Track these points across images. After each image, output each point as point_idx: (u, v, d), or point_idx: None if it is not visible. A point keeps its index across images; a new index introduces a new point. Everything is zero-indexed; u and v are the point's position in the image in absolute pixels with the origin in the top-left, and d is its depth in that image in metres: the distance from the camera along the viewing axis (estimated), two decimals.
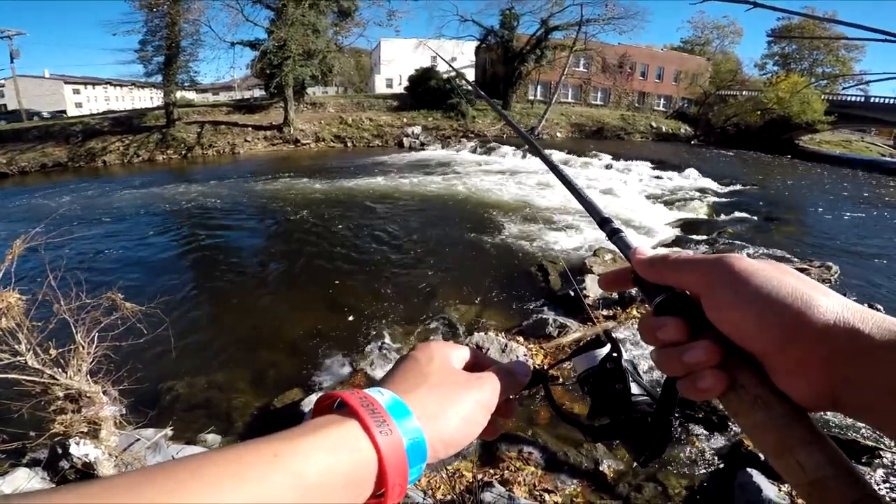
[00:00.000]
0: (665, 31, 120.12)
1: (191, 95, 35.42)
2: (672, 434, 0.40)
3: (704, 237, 9.41)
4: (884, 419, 0.28)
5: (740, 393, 0.32)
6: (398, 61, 41.26)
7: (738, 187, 15.18)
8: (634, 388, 0.43)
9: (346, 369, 5.00)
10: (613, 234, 0.46)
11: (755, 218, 11.36)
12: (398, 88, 36.71)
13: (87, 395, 1.67)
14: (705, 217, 11.58)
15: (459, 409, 0.37)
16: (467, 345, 0.47)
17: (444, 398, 0.37)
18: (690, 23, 47.61)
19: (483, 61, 34.04)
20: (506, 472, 3.38)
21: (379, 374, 4.88)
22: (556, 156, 19.29)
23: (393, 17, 27.65)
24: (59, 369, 1.65)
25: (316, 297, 6.85)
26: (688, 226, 10.42)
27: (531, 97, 33.35)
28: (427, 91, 28.45)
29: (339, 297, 6.76)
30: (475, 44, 32.66)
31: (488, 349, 4.78)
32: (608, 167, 17.89)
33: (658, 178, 16.17)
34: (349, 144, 25.34)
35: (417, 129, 26.19)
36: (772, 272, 0.33)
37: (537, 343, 5.15)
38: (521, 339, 5.22)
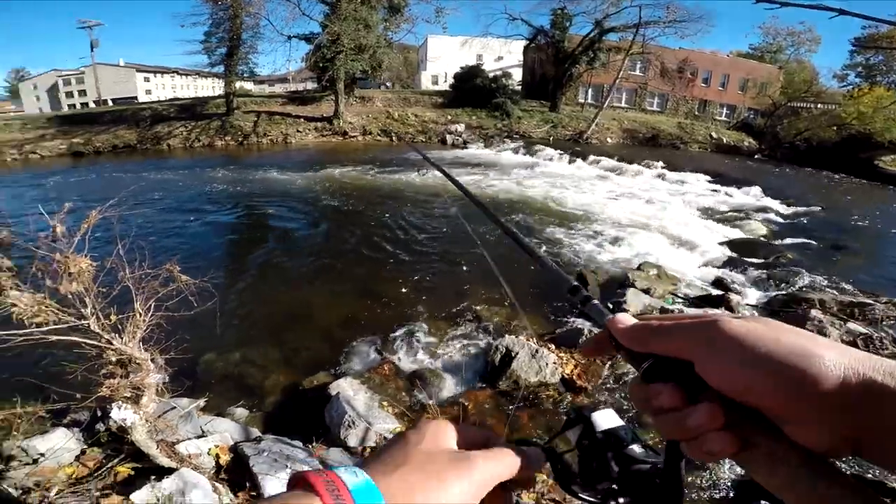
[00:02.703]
0: (732, 37, 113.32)
1: (249, 86, 37.17)
2: (684, 495, 0.38)
3: (760, 260, 8.79)
4: None
5: (753, 451, 0.32)
6: (444, 58, 41.51)
7: (804, 209, 14.09)
8: (636, 448, 0.43)
9: (375, 357, 5.08)
10: (586, 303, 0.46)
11: (819, 244, 10.49)
12: (443, 85, 36.87)
13: (137, 361, 1.77)
14: (763, 239, 10.82)
15: (436, 493, 0.35)
16: (478, 425, 0.46)
17: (421, 481, 0.35)
18: (761, 28, 44.84)
19: (531, 61, 33.38)
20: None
21: (406, 365, 4.93)
22: (605, 162, 18.71)
23: (441, 14, 27.81)
24: (116, 335, 1.75)
25: (352, 285, 7.00)
26: (742, 246, 9.78)
27: (581, 100, 32.48)
28: (473, 89, 28.36)
29: (374, 286, 6.88)
30: (524, 43, 32.10)
31: (517, 353, 4.71)
32: (660, 177, 17.14)
33: (714, 192, 15.30)
34: (394, 139, 25.75)
35: (461, 127, 26.18)
36: (766, 330, 0.33)
37: (569, 352, 5.01)
38: (552, 346, 5.10)
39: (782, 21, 43.25)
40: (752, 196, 15.08)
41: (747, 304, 6.40)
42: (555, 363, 4.70)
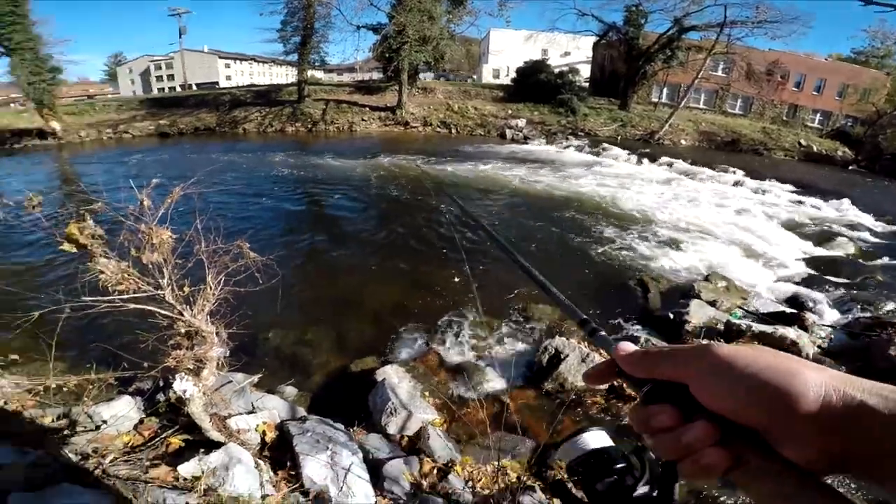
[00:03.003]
0: (832, 39, 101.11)
1: (319, 74, 38.70)
2: None
3: (845, 280, 7.85)
4: (890, 476, 0.29)
5: (747, 467, 0.33)
6: (507, 52, 40.88)
7: None
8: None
9: (421, 346, 5.13)
10: (593, 334, 0.50)
11: None
12: (504, 79, 36.30)
13: (203, 333, 1.86)
14: (850, 257, 9.67)
15: None
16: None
17: None
18: (867, 31, 39.55)
19: (601, 58, 31.76)
20: (551, 480, 3.21)
21: (451, 357, 4.90)
22: (678, 165, 17.59)
23: (504, 7, 27.26)
24: (187, 306, 1.85)
25: (405, 274, 7.10)
26: (825, 264, 8.78)
27: (654, 99, 30.62)
28: (536, 84, 27.62)
29: (426, 276, 6.93)
30: (593, 39, 30.62)
31: (567, 355, 4.56)
32: (738, 184, 15.79)
33: (798, 203, 13.87)
34: (453, 131, 25.76)
35: (521, 122, 25.63)
36: (753, 354, 0.35)
37: None
38: (603, 352, 4.87)
39: (892, 24, 37.64)
40: (842, 210, 13.50)
41: (824, 325, 5.77)
42: None
